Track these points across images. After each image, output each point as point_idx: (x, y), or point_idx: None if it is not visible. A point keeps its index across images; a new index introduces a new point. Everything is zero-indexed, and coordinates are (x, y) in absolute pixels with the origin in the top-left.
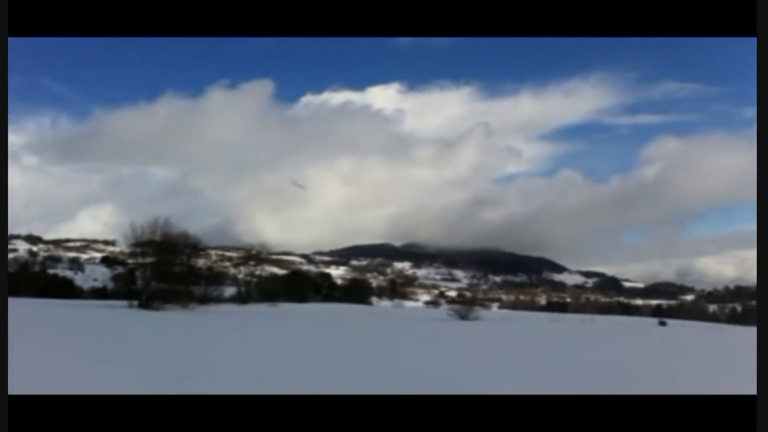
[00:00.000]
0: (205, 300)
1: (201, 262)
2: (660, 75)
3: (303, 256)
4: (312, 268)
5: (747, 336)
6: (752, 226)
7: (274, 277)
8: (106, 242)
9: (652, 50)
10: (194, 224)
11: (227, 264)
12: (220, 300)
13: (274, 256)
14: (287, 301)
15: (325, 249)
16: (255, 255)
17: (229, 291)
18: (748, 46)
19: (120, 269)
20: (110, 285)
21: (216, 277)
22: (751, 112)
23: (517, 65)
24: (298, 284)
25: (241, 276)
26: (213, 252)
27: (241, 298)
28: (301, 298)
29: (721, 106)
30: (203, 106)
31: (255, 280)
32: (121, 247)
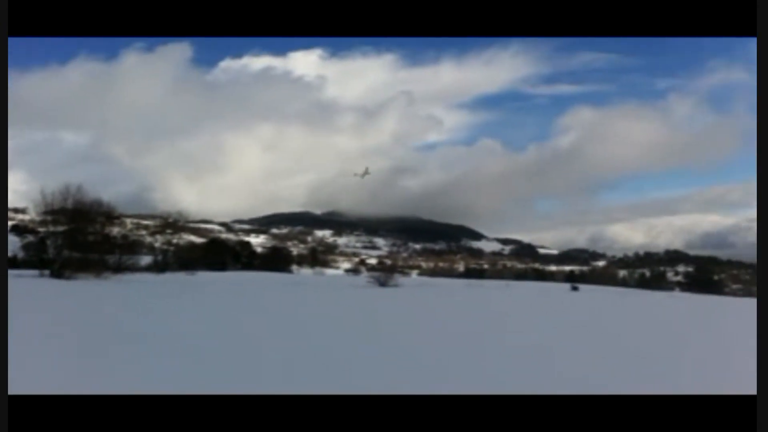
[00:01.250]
0: (119, 269)
1: (115, 231)
2: (577, 45)
3: (222, 224)
4: (231, 237)
5: (652, 300)
6: (661, 194)
7: (193, 245)
8: (16, 210)
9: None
10: (109, 191)
11: (143, 233)
12: (135, 269)
13: (192, 225)
14: (206, 270)
15: (245, 217)
16: (172, 223)
17: (146, 260)
18: None
19: (31, 238)
20: (20, 254)
21: (131, 246)
22: (663, 83)
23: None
24: (217, 253)
25: (157, 245)
26: (128, 220)
27: (157, 267)
28: (221, 267)
29: (635, 76)
30: (118, 69)
31: (172, 248)
32: (31, 215)
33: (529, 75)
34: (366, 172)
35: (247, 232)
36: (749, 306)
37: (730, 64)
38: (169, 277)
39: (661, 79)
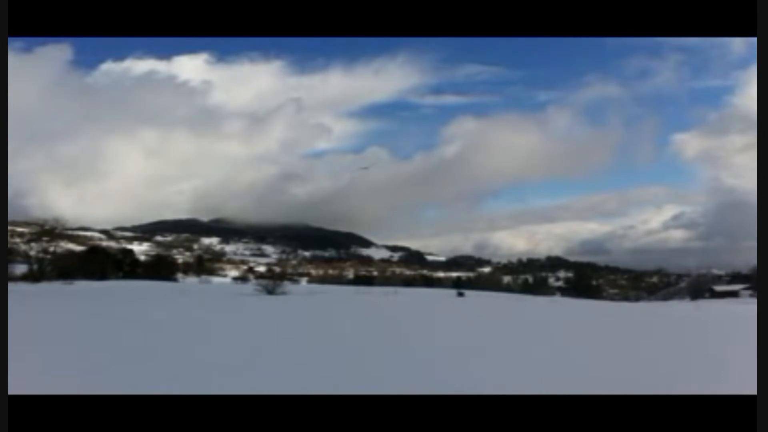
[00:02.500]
0: None
1: None
2: (463, 57)
3: (103, 231)
4: (113, 244)
5: (534, 304)
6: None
7: (71, 253)
8: None
9: (455, 36)
10: None
11: (18, 240)
12: (9, 278)
13: (70, 232)
14: (85, 279)
15: (128, 224)
16: (49, 230)
17: (21, 269)
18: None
19: None
20: None
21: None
22: (543, 96)
23: (327, 41)
24: (96, 261)
25: (33, 253)
26: None
27: (33, 276)
28: (101, 276)
29: (517, 89)
30: None
31: (49, 257)
32: None
33: (416, 85)
34: (365, 167)
35: (130, 240)
36: (626, 309)
37: (604, 79)
38: (44, 286)
39: (541, 91)
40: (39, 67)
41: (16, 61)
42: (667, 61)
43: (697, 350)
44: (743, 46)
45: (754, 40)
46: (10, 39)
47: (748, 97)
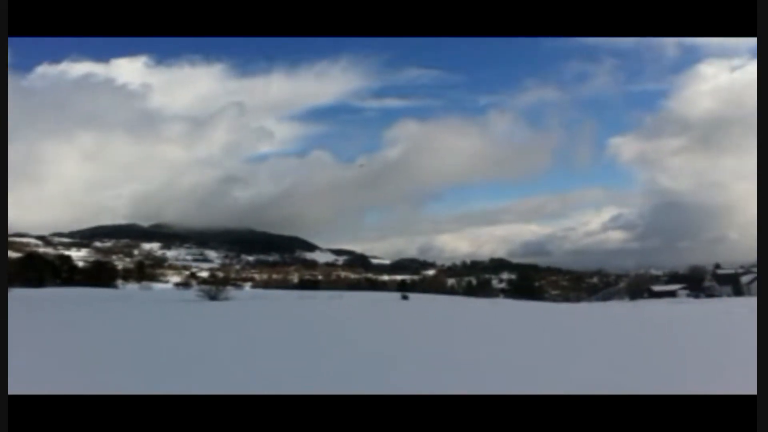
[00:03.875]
0: None
1: None
2: (405, 61)
3: (40, 237)
4: (50, 251)
5: (477, 306)
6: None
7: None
8: None
9: (397, 37)
10: None
11: None
12: None
13: None
14: (23, 287)
15: (65, 230)
16: None
17: None
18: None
19: None
20: None
21: None
22: (484, 100)
23: (268, 44)
24: (33, 268)
25: None
26: None
27: None
28: (39, 283)
29: (458, 93)
30: None
31: None
32: None
33: (359, 88)
34: (362, 164)
35: (68, 246)
36: (566, 310)
37: (543, 83)
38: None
39: (482, 95)
40: None
41: None
42: (603, 64)
43: (636, 350)
44: (677, 49)
45: (689, 44)
46: None
47: (682, 101)
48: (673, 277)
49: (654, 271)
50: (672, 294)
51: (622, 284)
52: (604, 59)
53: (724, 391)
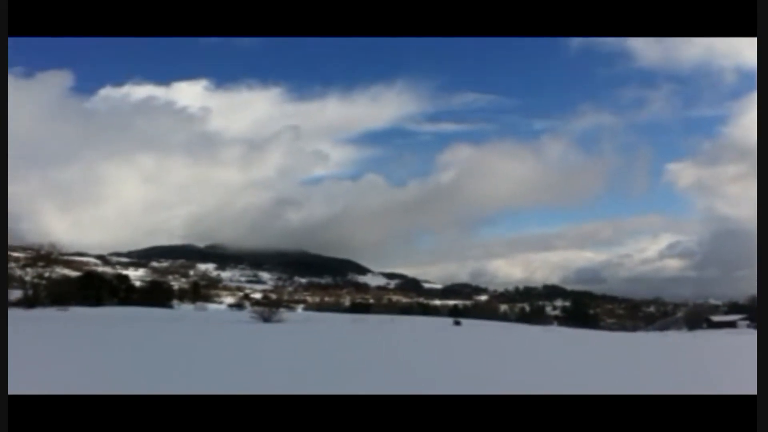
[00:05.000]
0: None
1: None
2: (459, 86)
3: (99, 257)
4: (108, 270)
5: (531, 334)
6: (536, 231)
7: (66, 279)
8: None
9: (453, 61)
10: None
11: (13, 265)
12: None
13: (65, 257)
14: (80, 305)
15: (123, 250)
16: (44, 255)
17: (15, 294)
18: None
19: None
20: None
21: None
22: (539, 124)
23: (324, 68)
24: (92, 287)
25: (28, 278)
26: None
27: (27, 302)
28: (96, 302)
29: (512, 117)
30: None
31: (44, 282)
32: None
33: (413, 113)
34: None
35: (126, 266)
36: (623, 340)
37: (598, 109)
38: (38, 312)
39: (536, 120)
40: (39, 93)
41: (16, 87)
42: (660, 90)
43: (697, 382)
44: (735, 75)
45: (748, 70)
46: (12, 65)
47: (740, 127)
48: (733, 307)
49: (713, 301)
50: (732, 324)
51: (679, 314)
52: (662, 85)
53: None
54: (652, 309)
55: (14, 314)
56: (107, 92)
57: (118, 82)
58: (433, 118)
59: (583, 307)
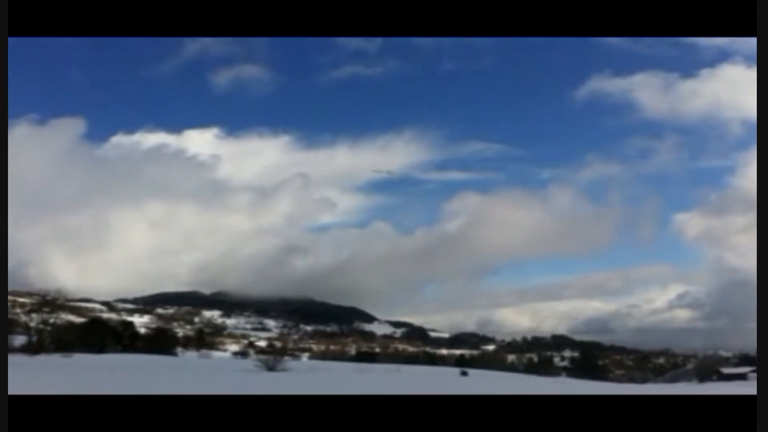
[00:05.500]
0: None
1: None
2: (468, 135)
3: (104, 303)
4: (113, 316)
5: (538, 386)
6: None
7: (71, 325)
8: None
9: (461, 110)
10: None
11: (19, 311)
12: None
13: (71, 303)
14: (84, 352)
15: (129, 296)
16: (50, 301)
17: (20, 340)
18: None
19: None
20: None
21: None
22: (546, 173)
23: (333, 117)
24: (96, 333)
25: (33, 324)
26: None
27: (32, 348)
28: (100, 349)
29: (520, 166)
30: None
31: (49, 328)
32: None
33: (421, 161)
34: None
35: (131, 312)
36: (635, 392)
37: (605, 159)
38: (42, 359)
39: (544, 169)
40: (52, 140)
41: (29, 133)
42: (666, 141)
43: None
44: (741, 127)
45: (754, 122)
46: (24, 111)
47: (747, 179)
48: (743, 359)
49: (723, 353)
50: (742, 377)
51: (689, 365)
52: (668, 136)
53: None
54: (661, 360)
55: (18, 360)
56: (119, 139)
57: (130, 130)
58: (441, 166)
59: (592, 358)
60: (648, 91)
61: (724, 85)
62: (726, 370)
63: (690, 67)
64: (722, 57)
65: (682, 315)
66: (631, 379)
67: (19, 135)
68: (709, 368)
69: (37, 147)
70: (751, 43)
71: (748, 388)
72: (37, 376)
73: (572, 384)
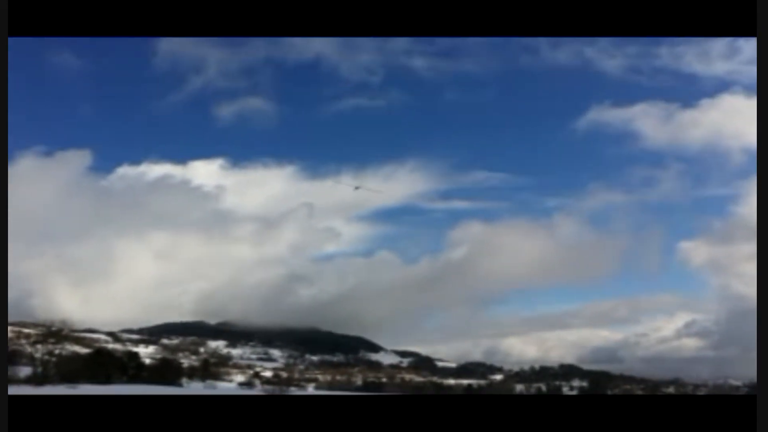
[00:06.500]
0: None
1: None
2: (472, 164)
3: (109, 333)
4: (119, 347)
5: None
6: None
7: (76, 356)
8: None
9: (464, 140)
10: None
11: (24, 342)
12: (13, 381)
13: (76, 334)
14: (89, 383)
15: (134, 326)
16: (55, 332)
17: (25, 371)
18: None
19: None
20: None
21: (10, 356)
22: (552, 202)
23: (337, 148)
24: (101, 364)
25: (38, 355)
26: (8, 328)
27: (37, 380)
28: (105, 380)
29: (525, 195)
30: (11, 172)
31: (54, 359)
32: None
33: (425, 191)
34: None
35: (136, 342)
36: None
37: (608, 188)
38: (47, 390)
39: (549, 197)
40: (58, 171)
41: (35, 166)
42: (669, 170)
43: None
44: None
45: (751, 149)
46: (30, 143)
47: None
48: (754, 388)
49: (733, 382)
50: None
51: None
52: (670, 164)
53: None
54: (671, 389)
55: (23, 392)
56: (124, 170)
57: (136, 161)
58: (445, 195)
59: (601, 388)
60: (649, 120)
61: (725, 115)
62: None
63: (690, 97)
64: (722, 87)
65: (691, 344)
66: None
67: (25, 167)
68: None
69: (44, 178)
70: (750, 72)
71: None
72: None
73: None
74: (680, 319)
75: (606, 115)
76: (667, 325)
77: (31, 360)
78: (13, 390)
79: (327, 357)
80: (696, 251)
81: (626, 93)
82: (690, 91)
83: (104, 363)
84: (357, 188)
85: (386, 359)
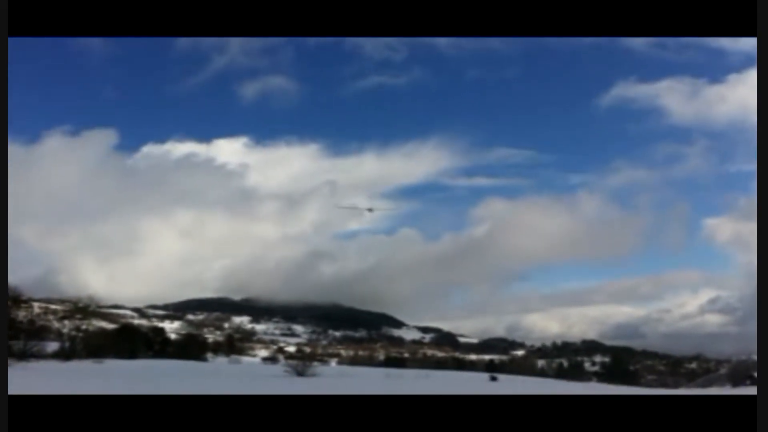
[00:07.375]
0: (24, 356)
1: (21, 315)
2: (495, 141)
3: (135, 309)
4: (144, 323)
5: (569, 391)
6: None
7: (103, 332)
8: None
9: (487, 117)
10: (14, 275)
11: (51, 317)
12: (41, 356)
13: (103, 310)
14: (116, 358)
15: (160, 302)
16: (82, 308)
17: (53, 346)
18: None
19: None
20: None
21: (38, 332)
22: (575, 179)
23: (360, 126)
24: (127, 339)
25: (66, 330)
26: (36, 304)
27: (64, 354)
28: (131, 355)
29: (548, 172)
30: (37, 152)
31: (81, 335)
32: None
33: (448, 168)
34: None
35: (162, 318)
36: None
37: (633, 165)
38: (74, 365)
39: (572, 174)
40: (84, 150)
41: (61, 145)
42: (695, 146)
43: None
44: None
45: None
46: (57, 123)
47: None
48: None
49: (756, 357)
50: None
51: (722, 370)
52: (696, 140)
53: None
54: (694, 365)
55: (50, 366)
56: (149, 149)
57: (161, 140)
58: (468, 172)
59: (623, 363)
60: (675, 96)
61: (753, 90)
62: None
63: (717, 73)
64: (750, 62)
65: (714, 320)
66: (664, 384)
67: (52, 146)
68: (742, 373)
69: (70, 158)
70: None
71: None
72: (70, 380)
73: (605, 390)
74: (704, 296)
75: (631, 91)
76: (690, 301)
77: (58, 335)
78: (41, 365)
79: (349, 332)
80: (721, 228)
81: (652, 69)
82: (717, 66)
83: (130, 338)
84: (370, 210)
85: (408, 335)
